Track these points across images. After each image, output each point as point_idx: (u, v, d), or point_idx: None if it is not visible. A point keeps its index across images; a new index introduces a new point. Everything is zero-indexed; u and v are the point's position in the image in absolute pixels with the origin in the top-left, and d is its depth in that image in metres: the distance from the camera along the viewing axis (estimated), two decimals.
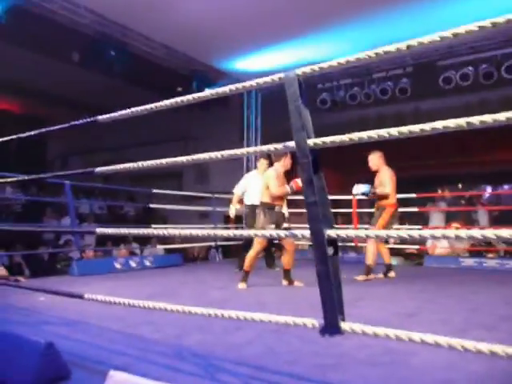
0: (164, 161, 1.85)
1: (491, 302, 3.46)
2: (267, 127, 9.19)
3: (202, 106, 7.38)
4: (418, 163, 9.53)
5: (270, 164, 5.54)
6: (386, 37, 6.75)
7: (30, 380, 1.59)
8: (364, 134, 1.24)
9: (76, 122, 1.96)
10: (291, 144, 1.31)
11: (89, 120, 1.87)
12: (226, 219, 11.11)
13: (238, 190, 5.67)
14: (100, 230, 1.96)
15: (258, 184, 5.29)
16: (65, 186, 4.92)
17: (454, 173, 10.71)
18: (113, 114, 1.85)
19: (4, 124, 11.85)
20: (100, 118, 1.83)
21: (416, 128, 1.16)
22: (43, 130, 2.51)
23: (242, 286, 4.11)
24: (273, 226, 4.12)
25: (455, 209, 9.49)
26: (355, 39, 6.81)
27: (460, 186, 11.17)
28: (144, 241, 9.04)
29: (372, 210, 5.05)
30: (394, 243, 7.21)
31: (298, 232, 1.33)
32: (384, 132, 1.22)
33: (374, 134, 1.26)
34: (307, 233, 1.25)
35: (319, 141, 1.25)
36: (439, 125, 1.14)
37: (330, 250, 1.21)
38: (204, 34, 6.59)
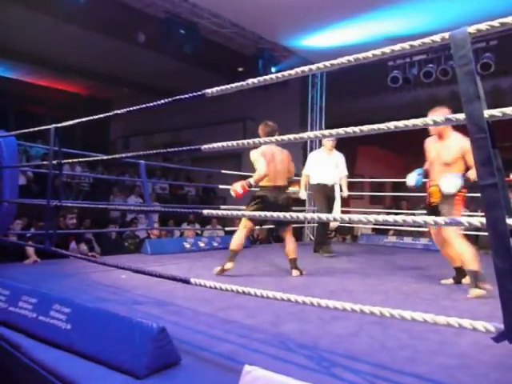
0: (246, 141, 1.70)
1: None
2: (331, 107, 8.89)
3: (261, 86, 7.24)
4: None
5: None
6: (469, 7, 6.30)
7: (144, 366, 1.54)
8: None
9: (182, 96, 1.86)
10: (461, 116, 1.12)
11: (198, 94, 1.76)
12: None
13: (306, 171, 5.49)
14: (208, 212, 1.87)
15: (326, 163, 5.30)
16: (140, 165, 4.96)
17: None
18: (220, 88, 1.73)
19: (73, 106, 12.33)
20: (209, 91, 1.71)
21: None
22: (130, 109, 2.43)
23: (228, 266, 3.66)
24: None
25: None
26: (432, 11, 6.34)
27: None
28: (204, 222, 9.12)
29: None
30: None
31: (473, 220, 1.14)
32: None
33: None
34: (479, 221, 1.07)
35: (497, 112, 1.05)
36: None
37: None
38: (271, 11, 6.38)
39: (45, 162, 3.74)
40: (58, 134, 3.09)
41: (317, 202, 5.60)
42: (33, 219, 5.74)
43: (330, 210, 5.29)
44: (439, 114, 3.07)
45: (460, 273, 3.38)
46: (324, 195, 5.30)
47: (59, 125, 3.00)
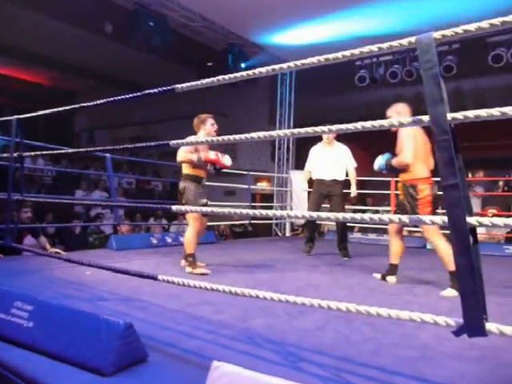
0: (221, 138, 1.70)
1: None
2: (300, 104, 8.97)
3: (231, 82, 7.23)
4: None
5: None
6: (431, 10, 6.49)
7: (111, 363, 1.51)
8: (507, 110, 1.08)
9: (151, 91, 1.83)
10: (425, 118, 1.16)
11: (167, 88, 1.74)
12: (254, 197, 11.08)
13: (306, 167, 5.26)
14: (176, 208, 1.85)
15: (324, 157, 5.03)
16: (106, 159, 4.84)
17: (488, 156, 10.36)
18: (190, 83, 1.72)
19: (35, 96, 11.91)
20: (179, 86, 1.70)
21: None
22: (97, 102, 2.38)
23: (198, 270, 3.53)
24: (204, 201, 3.68)
25: (489, 194, 9.18)
26: (398, 13, 6.51)
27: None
28: (171, 217, 9.03)
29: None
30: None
31: (435, 218, 1.19)
32: None
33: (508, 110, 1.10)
34: (442, 219, 1.12)
35: (460, 115, 1.10)
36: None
37: (471, 240, 1.07)
38: (242, 6, 6.37)
39: (5, 155, 3.60)
40: (19, 125, 2.98)
41: (309, 198, 5.37)
42: None
43: (318, 207, 5.02)
44: (396, 109, 3.29)
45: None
46: (318, 192, 5.03)
47: (21, 116, 2.90)
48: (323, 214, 1.50)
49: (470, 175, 9.91)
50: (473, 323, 1.07)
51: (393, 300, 2.85)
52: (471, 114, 1.11)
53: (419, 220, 1.31)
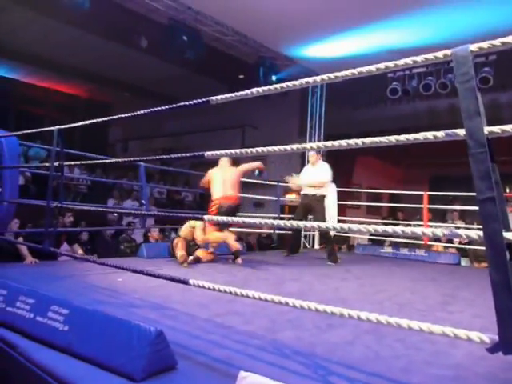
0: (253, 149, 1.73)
1: None
2: (330, 116, 8.95)
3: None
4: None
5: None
6: (464, 21, 6.38)
7: (141, 369, 1.54)
8: None
9: (187, 103, 1.89)
10: (461, 132, 1.14)
11: (202, 100, 1.79)
12: (283, 209, 11.04)
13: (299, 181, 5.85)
14: (208, 218, 1.88)
15: (307, 175, 5.67)
16: (139, 168, 4.97)
17: None
18: (225, 96, 1.76)
19: (73, 108, 12.37)
20: (213, 98, 1.74)
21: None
22: (133, 113, 2.45)
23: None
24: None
25: None
26: (431, 26, 6.43)
27: None
28: None
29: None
30: (461, 243, 6.78)
31: (471, 233, 1.17)
32: None
33: None
34: (477, 233, 1.10)
35: (497, 129, 1.08)
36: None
37: (507, 256, 1.05)
38: (274, 20, 6.46)
39: (47, 164, 3.75)
40: (60, 135, 3.11)
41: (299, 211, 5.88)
42: (26, 221, 5.72)
43: (304, 218, 5.62)
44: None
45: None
46: (302, 204, 5.68)
47: (62, 126, 3.02)
48: (354, 226, 1.49)
49: (507, 190, 9.61)
50: (508, 340, 1.04)
51: (424, 316, 2.78)
52: (509, 127, 1.09)
53: (453, 234, 1.29)
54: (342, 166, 11.03)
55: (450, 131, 1.21)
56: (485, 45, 1.12)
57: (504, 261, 1.04)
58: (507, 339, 1.05)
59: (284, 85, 1.60)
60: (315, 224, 1.71)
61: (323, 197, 5.55)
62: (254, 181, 7.38)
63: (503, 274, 1.03)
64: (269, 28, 6.69)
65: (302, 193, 5.74)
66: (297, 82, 1.55)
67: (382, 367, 1.77)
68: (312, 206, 5.51)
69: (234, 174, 4.85)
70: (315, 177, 5.55)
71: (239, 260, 4.86)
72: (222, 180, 4.75)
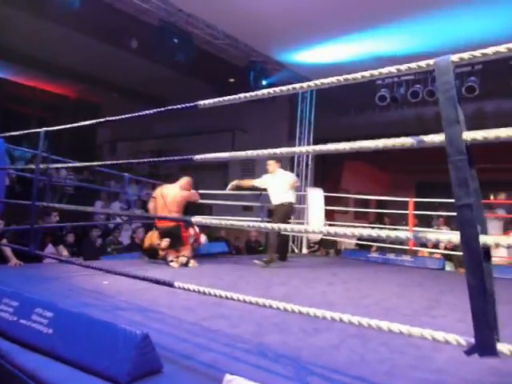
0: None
1: None
2: (319, 121, 9.01)
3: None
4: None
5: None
6: (454, 31, 6.48)
7: (126, 372, 1.53)
8: None
9: (175, 107, 1.89)
10: (439, 138, 1.17)
11: (190, 105, 1.79)
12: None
13: (255, 181, 5.90)
14: (196, 220, 1.89)
15: (274, 185, 5.59)
16: (124, 178, 5.00)
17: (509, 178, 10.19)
18: (213, 100, 1.77)
19: (61, 108, 12.25)
20: (201, 102, 1.75)
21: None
22: (122, 116, 2.45)
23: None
24: None
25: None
26: (421, 34, 6.53)
27: None
28: None
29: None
30: (447, 248, 6.86)
31: (447, 236, 1.19)
32: None
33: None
34: (455, 238, 1.12)
35: (479, 135, 1.11)
36: None
37: (485, 260, 1.07)
38: (265, 24, 6.49)
39: (32, 166, 3.71)
40: (47, 136, 3.08)
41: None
42: (11, 221, 5.64)
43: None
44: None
45: None
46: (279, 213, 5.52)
47: (49, 128, 2.99)
48: (341, 230, 1.50)
49: (491, 197, 9.74)
50: (483, 343, 1.07)
51: (409, 321, 2.79)
52: (489, 133, 1.11)
53: (419, 237, 1.32)
54: (330, 171, 11.13)
55: (427, 136, 1.23)
56: (465, 55, 1.15)
57: (480, 265, 1.07)
58: (482, 342, 1.07)
59: (271, 90, 1.61)
60: (302, 227, 1.72)
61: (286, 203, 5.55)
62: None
63: (479, 278, 1.06)
64: (260, 32, 6.72)
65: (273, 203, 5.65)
66: (284, 88, 1.57)
67: (367, 371, 1.79)
68: (274, 210, 5.62)
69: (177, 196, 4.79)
70: (276, 187, 5.58)
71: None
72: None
